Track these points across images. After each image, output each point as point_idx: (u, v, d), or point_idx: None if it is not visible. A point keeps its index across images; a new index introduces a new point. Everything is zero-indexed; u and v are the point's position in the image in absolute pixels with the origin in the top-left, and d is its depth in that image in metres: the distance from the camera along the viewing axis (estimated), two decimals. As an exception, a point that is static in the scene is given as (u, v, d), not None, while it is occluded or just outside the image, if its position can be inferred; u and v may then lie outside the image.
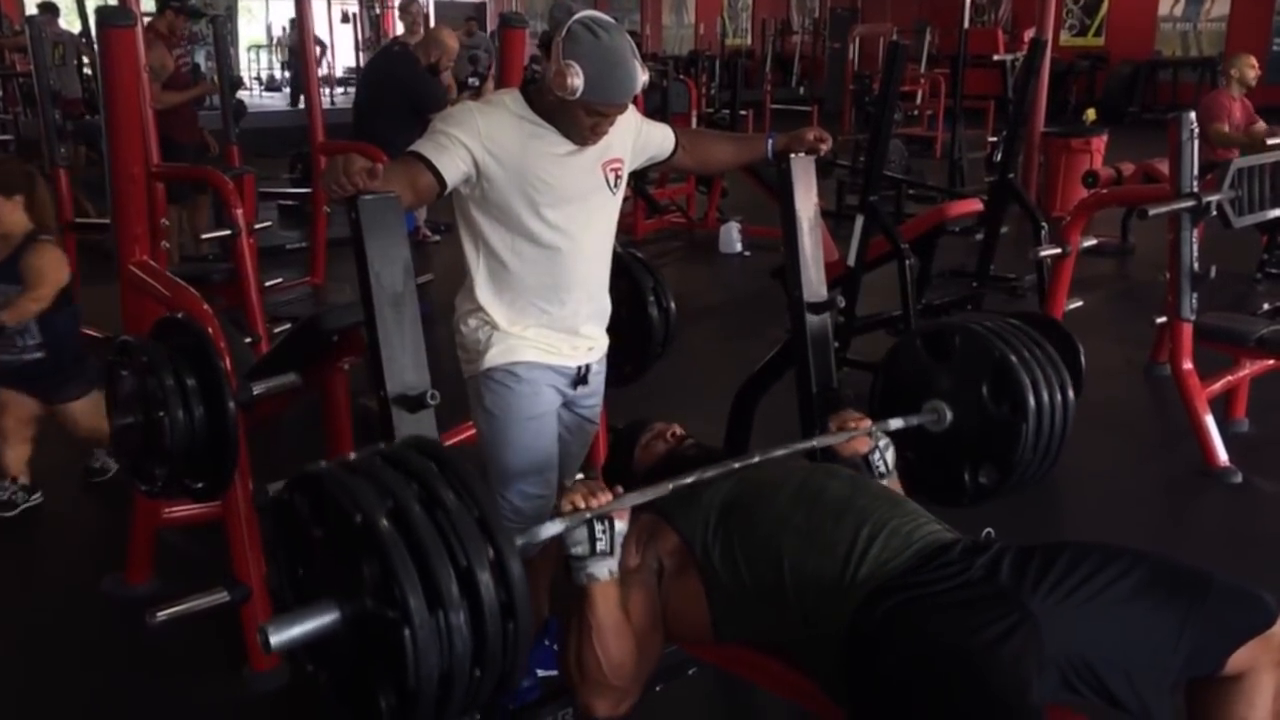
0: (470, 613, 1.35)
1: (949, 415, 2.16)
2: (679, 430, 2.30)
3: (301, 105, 16.18)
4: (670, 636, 1.84)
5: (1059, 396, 2.13)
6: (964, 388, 2.17)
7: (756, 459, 1.91)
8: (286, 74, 18.21)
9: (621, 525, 1.70)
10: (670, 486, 1.77)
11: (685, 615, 1.81)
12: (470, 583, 1.36)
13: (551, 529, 1.63)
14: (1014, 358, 2.12)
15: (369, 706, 1.41)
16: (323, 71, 16.99)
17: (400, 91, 5.62)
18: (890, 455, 2.08)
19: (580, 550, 1.67)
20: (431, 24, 6.89)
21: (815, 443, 2.07)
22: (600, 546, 1.67)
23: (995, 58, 10.87)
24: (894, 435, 2.12)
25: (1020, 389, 2.09)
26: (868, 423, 2.07)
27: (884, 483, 2.05)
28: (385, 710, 1.39)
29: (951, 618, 1.55)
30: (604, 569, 1.68)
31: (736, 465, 1.87)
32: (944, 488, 2.22)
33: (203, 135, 6.21)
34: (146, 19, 5.26)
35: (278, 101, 17.47)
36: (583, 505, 1.65)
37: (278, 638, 1.36)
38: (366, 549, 1.35)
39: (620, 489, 1.71)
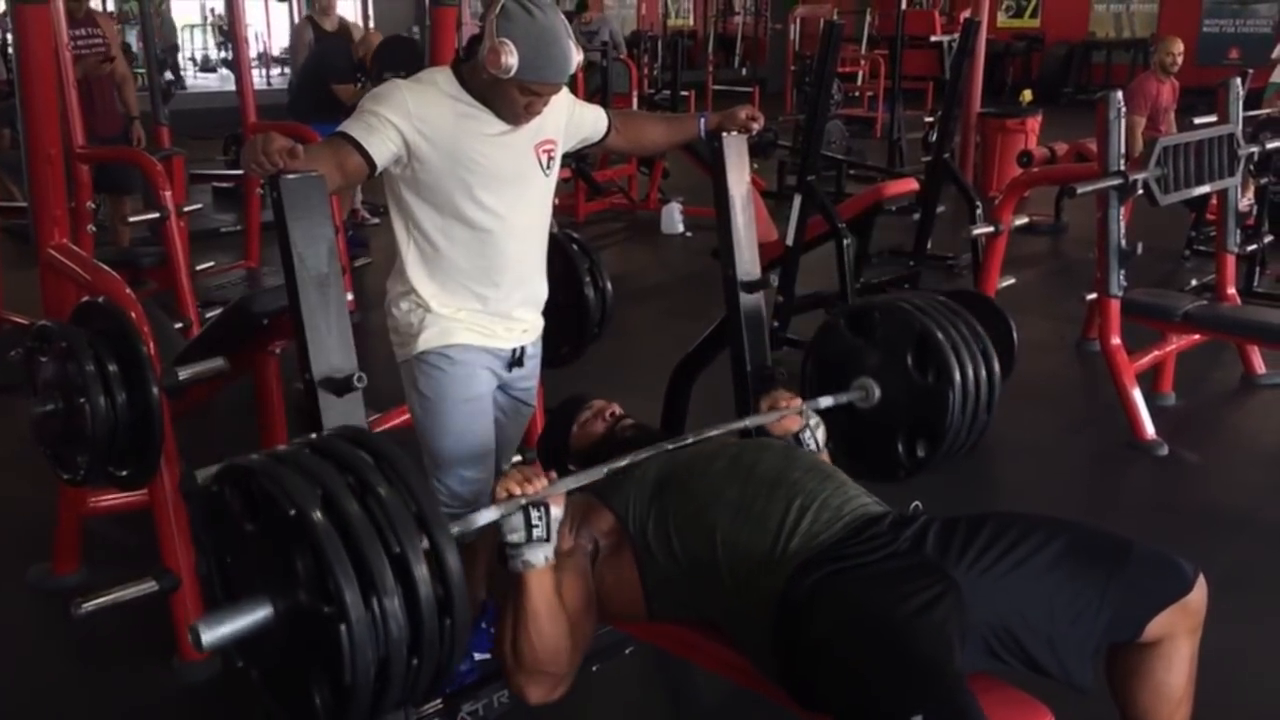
0: (406, 603, 1.33)
1: (877, 391, 2.19)
2: (617, 409, 2.27)
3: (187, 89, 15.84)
4: (603, 616, 1.84)
5: (981, 361, 2.16)
6: (889, 362, 2.19)
7: (690, 440, 1.91)
8: (222, 54, 17.72)
9: (557, 511, 1.68)
10: (605, 471, 1.76)
11: (618, 594, 1.81)
12: (406, 575, 1.33)
13: (487, 516, 1.60)
14: (933, 327, 2.14)
15: (304, 703, 1.37)
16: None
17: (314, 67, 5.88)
18: (821, 433, 2.09)
19: (516, 538, 1.64)
20: None
21: (748, 422, 2.08)
22: (537, 533, 1.64)
23: (933, 39, 10.97)
24: (830, 417, 2.14)
25: (943, 356, 2.11)
26: (798, 402, 2.08)
27: None
28: (320, 707, 1.35)
29: (877, 587, 1.58)
30: (540, 555, 1.66)
31: (670, 447, 1.86)
32: (881, 465, 2.24)
33: (125, 126, 5.90)
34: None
35: (213, 82, 17.05)
36: (518, 491, 1.63)
37: (209, 636, 1.33)
38: (300, 542, 1.32)
39: (555, 474, 1.70)
